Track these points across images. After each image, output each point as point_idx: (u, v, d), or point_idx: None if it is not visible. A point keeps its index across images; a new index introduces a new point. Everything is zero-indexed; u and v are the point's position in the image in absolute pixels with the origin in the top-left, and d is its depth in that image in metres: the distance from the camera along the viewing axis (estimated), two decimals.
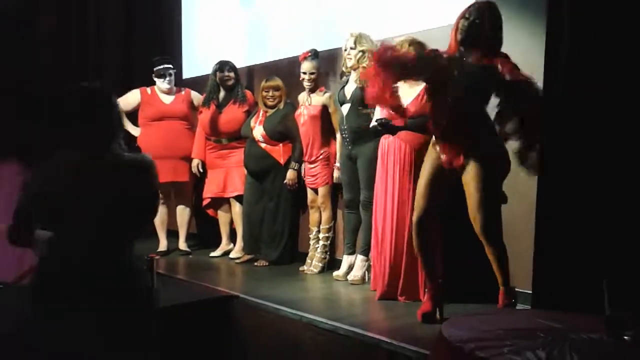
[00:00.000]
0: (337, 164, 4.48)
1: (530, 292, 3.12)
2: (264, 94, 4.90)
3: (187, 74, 6.47)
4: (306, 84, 4.59)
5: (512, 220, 3.35)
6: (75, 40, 6.73)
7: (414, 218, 3.32)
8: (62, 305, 2.12)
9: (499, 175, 3.22)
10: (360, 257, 4.26)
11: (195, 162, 5.33)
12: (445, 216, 3.43)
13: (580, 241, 2.82)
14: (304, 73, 4.58)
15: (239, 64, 5.42)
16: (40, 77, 6.37)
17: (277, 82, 4.88)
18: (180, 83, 5.89)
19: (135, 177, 2.26)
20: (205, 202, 5.35)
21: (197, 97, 5.49)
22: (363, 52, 4.14)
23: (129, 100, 5.46)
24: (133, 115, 5.49)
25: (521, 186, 3.30)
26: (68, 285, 2.13)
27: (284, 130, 4.82)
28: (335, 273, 4.36)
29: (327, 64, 4.79)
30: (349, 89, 4.26)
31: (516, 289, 3.29)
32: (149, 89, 5.48)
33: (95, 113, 2.27)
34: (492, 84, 3.17)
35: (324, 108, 4.53)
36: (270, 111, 4.89)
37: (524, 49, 3.37)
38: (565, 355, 1.73)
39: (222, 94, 5.23)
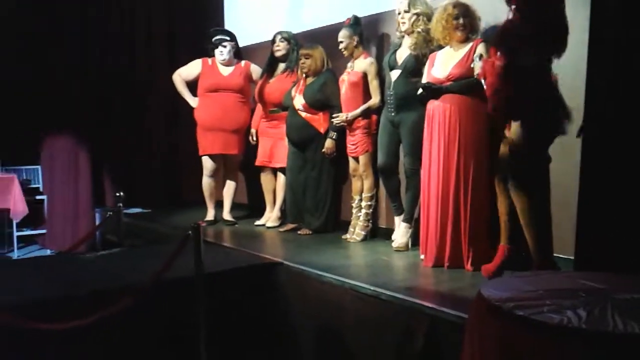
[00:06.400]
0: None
1: (572, 258, 3.07)
2: (300, 62, 4.90)
3: None
4: (343, 51, 4.56)
5: (556, 187, 3.27)
6: (120, 14, 6.84)
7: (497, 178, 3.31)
8: None
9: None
10: (403, 225, 4.24)
11: (252, 131, 5.43)
12: None
13: (624, 208, 2.75)
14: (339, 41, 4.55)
15: None
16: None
17: (308, 49, 4.84)
18: None
19: None
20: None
21: (256, 70, 5.48)
22: (417, 14, 4.01)
23: (191, 69, 5.53)
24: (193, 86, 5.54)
25: (565, 152, 3.22)
26: None
27: (323, 99, 4.79)
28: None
29: (371, 29, 4.72)
30: (401, 55, 4.15)
31: (559, 255, 3.25)
32: (210, 60, 5.50)
33: None
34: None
35: (365, 75, 4.48)
36: (310, 79, 4.87)
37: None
38: (607, 314, 1.69)
39: (281, 64, 5.22)
